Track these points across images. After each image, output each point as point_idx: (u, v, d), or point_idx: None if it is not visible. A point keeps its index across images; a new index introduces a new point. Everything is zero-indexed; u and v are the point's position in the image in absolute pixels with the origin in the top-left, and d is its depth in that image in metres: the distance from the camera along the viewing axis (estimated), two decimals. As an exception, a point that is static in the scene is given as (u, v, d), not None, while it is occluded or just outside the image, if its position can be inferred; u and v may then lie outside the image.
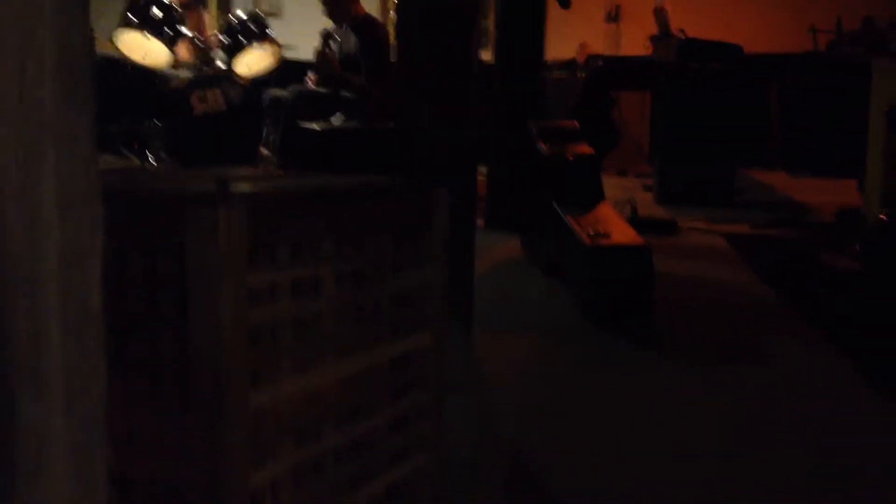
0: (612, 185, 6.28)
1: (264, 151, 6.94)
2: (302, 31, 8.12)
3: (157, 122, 6.36)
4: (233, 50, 6.34)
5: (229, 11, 6.74)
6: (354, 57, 5.88)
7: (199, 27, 6.78)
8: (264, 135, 6.81)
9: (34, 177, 0.49)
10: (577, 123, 4.05)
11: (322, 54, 5.69)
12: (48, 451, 0.51)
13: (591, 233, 3.11)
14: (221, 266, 1.07)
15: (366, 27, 5.82)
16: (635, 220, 4.48)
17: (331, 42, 5.82)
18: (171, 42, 6.16)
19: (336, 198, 1.34)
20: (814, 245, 4.25)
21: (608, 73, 7.83)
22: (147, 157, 6.46)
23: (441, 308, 1.48)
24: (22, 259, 0.50)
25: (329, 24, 5.97)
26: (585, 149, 3.75)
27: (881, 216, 3.69)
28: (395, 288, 1.41)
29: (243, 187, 1.14)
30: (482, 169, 4.84)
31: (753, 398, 2.41)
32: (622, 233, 3.20)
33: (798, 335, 2.99)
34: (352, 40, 5.91)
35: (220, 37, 6.42)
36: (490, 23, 6.95)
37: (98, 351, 0.57)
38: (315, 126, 4.76)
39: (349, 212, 1.33)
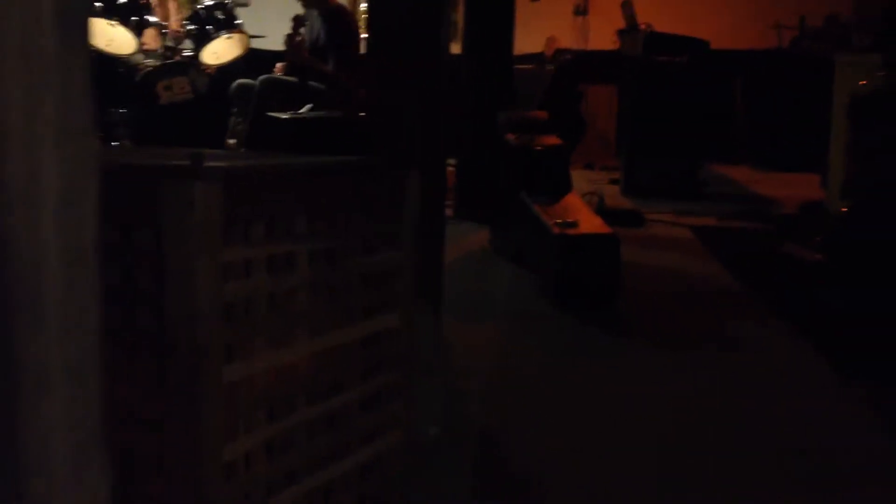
0: (579, 178, 6.33)
1: (231, 141, 6.91)
2: (271, 21, 8.07)
3: (122, 109, 6.30)
4: (200, 39, 6.31)
5: (197, 0, 6.68)
6: (324, 45, 5.87)
7: (165, 15, 6.72)
8: (231, 124, 6.77)
9: (33, 112, 0.50)
10: (545, 114, 4.07)
11: (292, 39, 5.67)
12: (48, 378, 0.53)
13: (559, 222, 3.14)
14: (197, 240, 1.07)
15: (336, 16, 5.81)
16: (602, 211, 4.52)
17: (301, 29, 5.81)
18: (137, 29, 6.11)
19: (309, 175, 1.35)
20: (778, 237, 4.31)
21: (576, 66, 7.89)
22: (111, 145, 6.40)
23: (411, 289, 1.49)
24: (22, 191, 0.51)
25: (300, 11, 5.95)
26: (554, 139, 3.78)
27: (842, 209, 3.76)
28: (366, 267, 1.42)
29: (218, 162, 1.14)
30: (451, 161, 4.86)
31: (718, 382, 2.45)
32: (590, 222, 3.23)
33: (763, 323, 3.05)
34: (322, 29, 5.89)
35: (188, 25, 6.37)
36: (459, 16, 6.96)
37: (94, 283, 0.58)
38: (282, 115, 4.74)
39: (322, 189, 1.34)
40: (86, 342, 0.56)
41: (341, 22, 5.79)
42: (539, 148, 3.69)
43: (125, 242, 1.12)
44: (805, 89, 7.46)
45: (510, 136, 3.83)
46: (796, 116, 7.45)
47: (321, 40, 5.87)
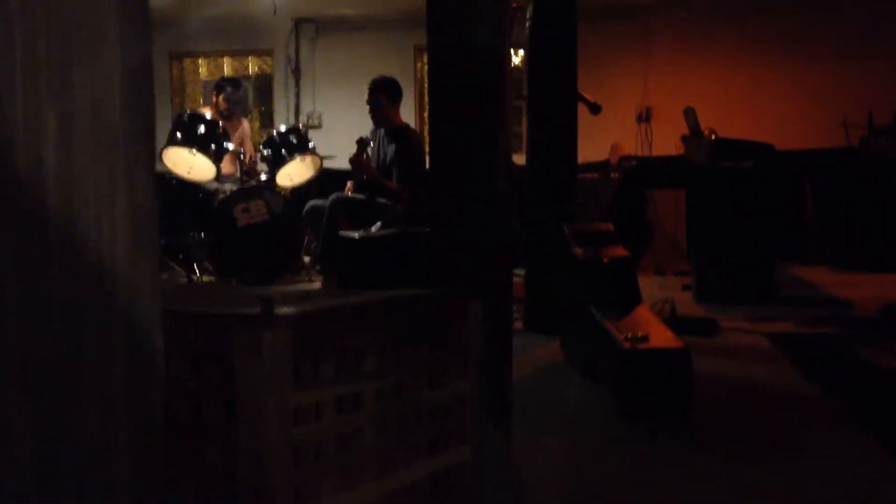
0: (650, 285, 6.30)
1: (306, 259, 7.08)
2: (341, 140, 8.37)
3: (202, 234, 6.54)
4: (275, 162, 6.57)
5: (272, 125, 6.99)
6: (391, 163, 6.06)
7: (242, 140, 7.03)
8: (305, 243, 6.97)
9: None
10: (611, 226, 4.10)
11: (357, 159, 5.89)
12: None
13: (630, 336, 3.13)
14: (267, 385, 1.12)
15: (402, 134, 6.02)
16: (674, 321, 4.48)
17: (368, 149, 6.04)
18: (216, 156, 6.40)
19: (376, 313, 1.39)
20: (857, 342, 4.20)
21: (641, 172, 7.94)
22: (193, 268, 6.62)
23: (479, 420, 1.51)
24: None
25: (366, 133, 6.20)
26: (621, 251, 3.79)
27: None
28: (433, 400, 1.45)
29: (287, 308, 1.20)
30: (520, 271, 4.90)
31: (797, 499, 2.37)
32: (660, 336, 3.21)
33: (843, 435, 2.95)
34: (388, 147, 6.11)
35: (263, 150, 6.65)
36: (523, 128, 7.12)
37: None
38: (353, 234, 4.88)
39: (389, 325, 1.39)
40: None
41: (407, 139, 5.99)
42: (607, 261, 3.70)
43: (197, 377, 1.17)
44: (879, 187, 7.36)
45: (577, 249, 3.86)
46: (870, 215, 7.34)
47: (388, 158, 6.07)
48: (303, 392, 1.17)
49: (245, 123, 7.26)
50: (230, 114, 6.97)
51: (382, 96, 6.01)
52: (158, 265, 0.61)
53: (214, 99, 7.03)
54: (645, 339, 3.12)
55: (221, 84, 7.15)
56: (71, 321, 0.63)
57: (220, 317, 1.26)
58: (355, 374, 1.26)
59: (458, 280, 2.21)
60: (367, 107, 6.07)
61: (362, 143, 5.95)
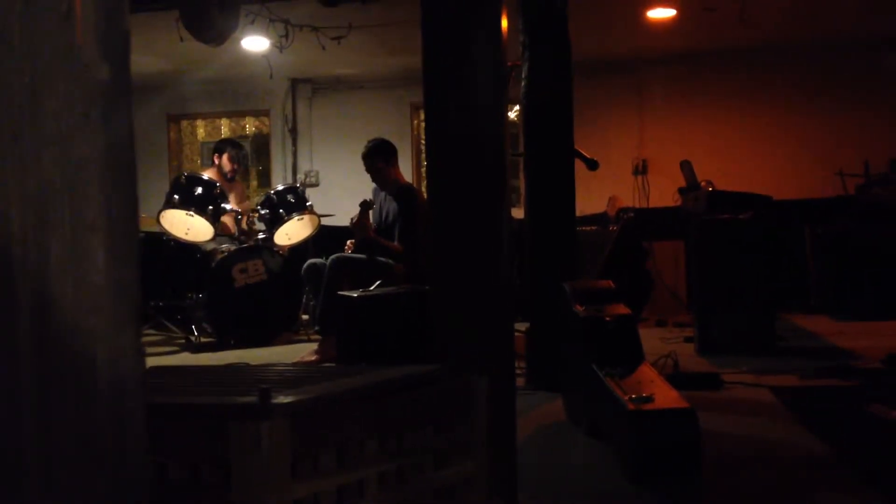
0: (651, 336, 6.26)
1: (304, 317, 7.05)
2: (339, 200, 8.39)
3: (199, 294, 6.51)
4: (273, 222, 6.57)
5: (269, 185, 7.01)
6: (392, 222, 6.06)
7: (240, 199, 7.04)
8: (304, 302, 6.93)
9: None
10: (612, 283, 4.07)
11: (359, 221, 5.90)
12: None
13: (634, 397, 3.08)
14: (265, 478, 1.08)
15: (405, 194, 6.03)
16: (677, 377, 4.43)
17: (370, 212, 6.05)
18: (213, 217, 6.40)
19: (377, 396, 1.36)
20: (864, 395, 4.15)
21: (640, 224, 7.95)
22: (191, 329, 6.58)
23: (484, 502, 1.47)
24: None
25: (367, 194, 6.22)
26: (622, 309, 3.76)
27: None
28: (437, 482, 1.41)
29: (285, 396, 1.16)
30: (521, 326, 4.86)
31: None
32: (665, 395, 3.17)
33: (854, 495, 2.90)
34: (390, 206, 6.12)
35: (261, 210, 6.66)
36: (521, 182, 7.14)
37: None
38: (352, 294, 4.85)
39: (391, 407, 1.35)
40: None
41: (410, 199, 6.00)
42: (608, 319, 3.67)
43: (192, 479, 1.13)
44: (877, 235, 7.37)
45: (578, 307, 3.83)
46: (870, 263, 7.33)
47: (391, 216, 6.08)
48: (303, 482, 1.13)
49: (243, 183, 7.28)
50: (234, 175, 6.98)
51: (378, 161, 6.02)
52: (142, 351, 0.60)
53: (217, 161, 7.03)
54: (650, 399, 3.07)
55: (221, 146, 7.17)
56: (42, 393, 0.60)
57: (216, 408, 1.23)
58: (356, 461, 1.23)
59: (459, 343, 2.18)
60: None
61: (365, 206, 5.97)
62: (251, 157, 11.17)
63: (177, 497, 1.12)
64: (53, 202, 0.57)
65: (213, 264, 6.41)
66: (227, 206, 6.54)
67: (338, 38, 7.46)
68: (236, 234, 6.77)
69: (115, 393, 0.59)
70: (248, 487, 1.07)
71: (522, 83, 5.09)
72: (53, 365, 0.56)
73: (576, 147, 5.21)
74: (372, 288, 5.04)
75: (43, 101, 0.58)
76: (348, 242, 6.21)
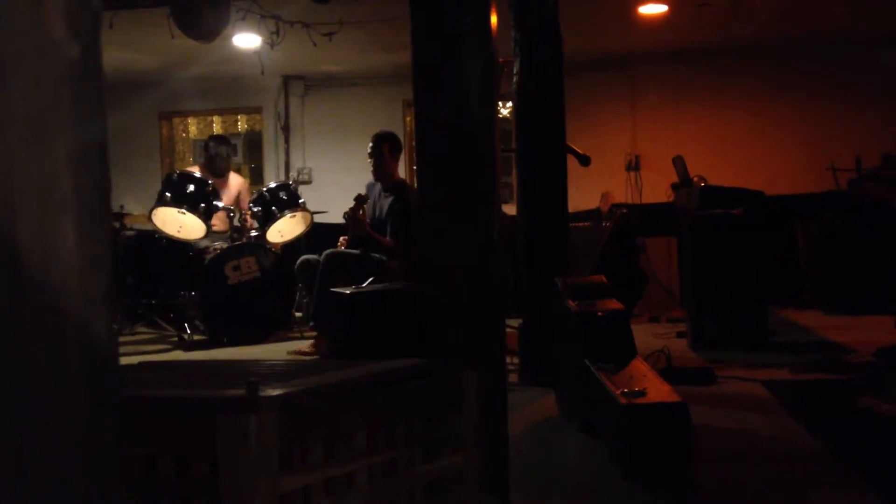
0: (645, 332, 6.26)
1: (298, 314, 7.04)
2: (332, 196, 8.38)
3: (192, 292, 6.49)
4: (266, 219, 6.55)
5: (262, 182, 7.00)
6: (385, 218, 6.06)
7: (232, 196, 7.02)
8: (297, 299, 6.92)
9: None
10: (604, 278, 4.07)
11: (353, 215, 5.89)
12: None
13: (626, 391, 3.09)
14: (254, 471, 1.08)
15: (399, 189, 6.03)
16: (670, 371, 4.44)
17: (364, 207, 6.05)
18: (205, 215, 6.38)
19: (367, 388, 1.36)
20: (856, 389, 4.16)
21: (633, 220, 7.95)
22: (184, 327, 6.56)
23: (478, 495, 1.46)
24: None
25: (360, 191, 6.22)
26: (614, 304, 3.76)
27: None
28: (428, 475, 1.41)
29: (273, 389, 1.16)
30: (513, 322, 4.86)
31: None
32: (657, 390, 3.17)
33: (847, 490, 2.90)
34: (385, 201, 6.11)
35: (254, 207, 6.64)
36: (513, 178, 7.14)
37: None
38: (345, 291, 4.84)
39: (382, 400, 1.35)
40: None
41: (404, 195, 6.00)
42: (601, 314, 3.67)
43: (181, 473, 1.13)
44: (868, 229, 7.38)
45: (571, 303, 3.83)
46: (861, 257, 7.35)
47: (384, 212, 6.07)
48: (291, 476, 1.13)
49: (237, 179, 7.22)
50: (221, 171, 6.96)
51: (386, 149, 6.04)
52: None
53: (203, 158, 7.05)
54: (642, 393, 3.07)
55: (207, 142, 7.19)
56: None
57: (204, 401, 1.22)
58: (346, 454, 1.23)
59: (450, 339, 2.17)
60: (369, 159, 6.08)
61: (359, 200, 5.96)
62: (244, 154, 11.14)
63: (165, 490, 1.11)
64: (21, 181, 0.57)
65: (206, 262, 6.40)
66: (219, 204, 6.52)
67: (329, 35, 7.45)
68: (229, 231, 6.76)
69: (88, 375, 0.58)
70: (236, 481, 1.07)
71: (514, 79, 5.08)
72: (24, 346, 0.55)
73: (568, 143, 5.21)
74: (364, 284, 5.03)
75: (11, 80, 0.57)
76: (341, 239, 6.20)
